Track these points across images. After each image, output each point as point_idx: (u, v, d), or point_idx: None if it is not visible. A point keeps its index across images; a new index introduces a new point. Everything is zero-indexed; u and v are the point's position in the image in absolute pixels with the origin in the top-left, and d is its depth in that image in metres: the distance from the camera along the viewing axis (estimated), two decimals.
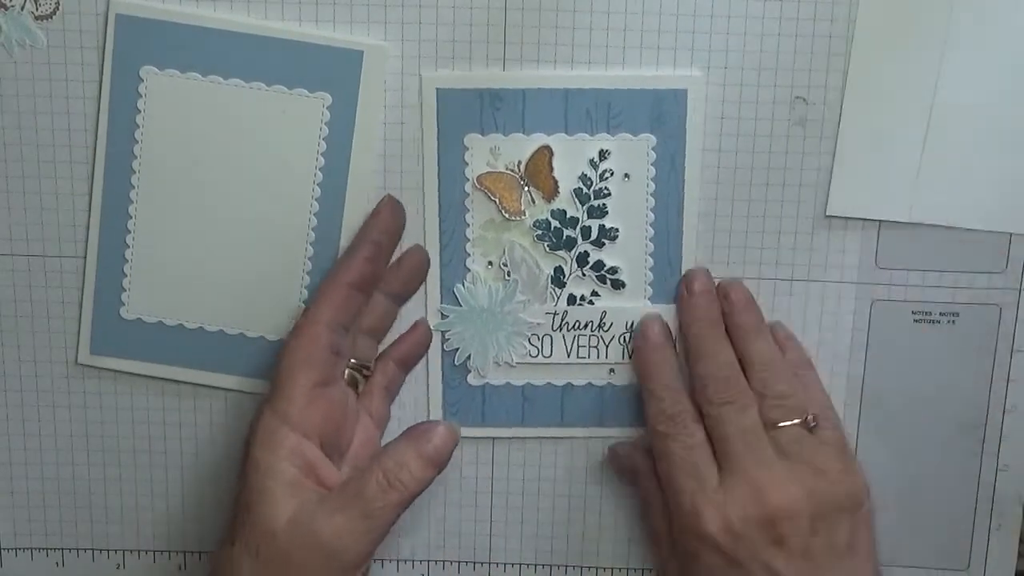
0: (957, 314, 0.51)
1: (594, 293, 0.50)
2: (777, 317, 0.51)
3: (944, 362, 0.51)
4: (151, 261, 0.50)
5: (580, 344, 0.51)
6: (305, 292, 0.51)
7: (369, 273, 0.47)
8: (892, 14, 0.48)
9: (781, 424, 0.47)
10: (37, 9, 0.49)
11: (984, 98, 0.49)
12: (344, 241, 0.50)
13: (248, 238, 0.50)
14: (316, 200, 0.50)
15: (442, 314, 0.51)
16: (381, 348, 0.51)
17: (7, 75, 0.49)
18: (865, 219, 0.50)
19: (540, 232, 0.50)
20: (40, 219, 0.51)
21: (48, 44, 0.49)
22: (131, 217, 0.50)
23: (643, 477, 0.50)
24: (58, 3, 0.49)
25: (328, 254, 0.50)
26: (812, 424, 0.47)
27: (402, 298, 0.50)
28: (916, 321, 0.51)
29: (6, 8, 0.48)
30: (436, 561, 0.54)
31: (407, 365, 0.51)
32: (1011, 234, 0.50)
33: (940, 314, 0.51)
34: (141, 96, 0.49)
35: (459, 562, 0.54)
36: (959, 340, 0.51)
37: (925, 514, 0.53)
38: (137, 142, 0.49)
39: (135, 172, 0.49)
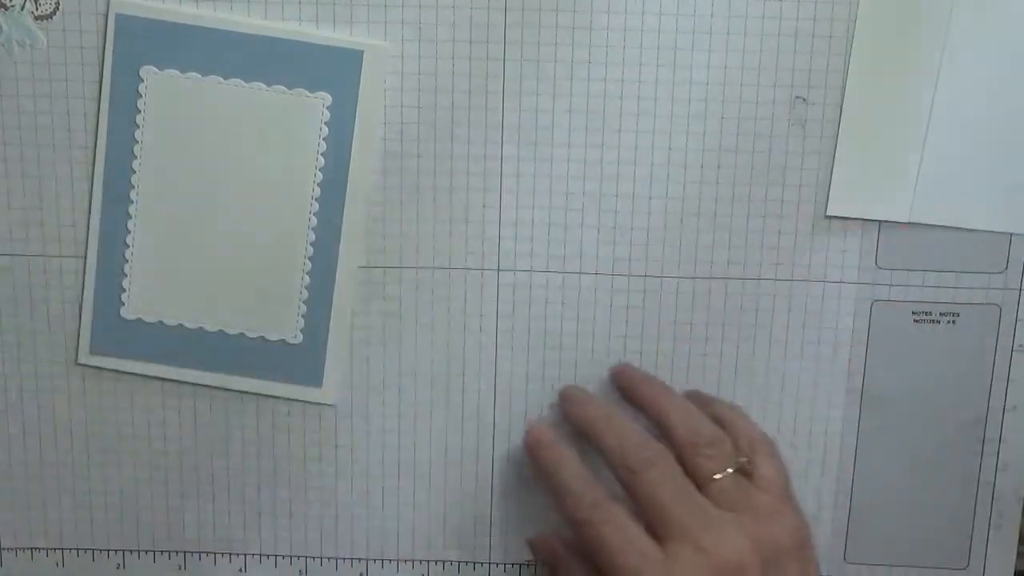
0: (957, 314, 0.51)
1: None
2: (777, 317, 0.51)
3: (944, 362, 0.51)
4: (151, 261, 0.50)
5: None
6: (305, 292, 0.51)
7: None
8: (892, 14, 0.48)
9: (716, 476, 0.45)
10: (37, 9, 0.48)
11: (984, 98, 0.49)
12: (344, 242, 0.50)
13: (248, 238, 0.50)
14: (316, 200, 0.50)
15: None
16: None
17: (7, 75, 0.49)
18: (865, 219, 0.50)
19: None
20: (40, 219, 0.51)
21: (48, 44, 0.49)
22: (131, 217, 0.50)
23: (567, 571, 0.49)
24: (58, 3, 0.48)
25: (328, 254, 0.50)
26: (748, 467, 0.46)
27: None
28: (916, 321, 0.51)
29: (6, 8, 0.48)
30: (436, 561, 0.54)
31: None
32: (1011, 234, 0.50)
33: (940, 314, 0.51)
34: (141, 96, 0.49)
35: (459, 562, 0.54)
36: (959, 340, 0.51)
37: (925, 514, 0.53)
38: (137, 142, 0.49)
39: (135, 172, 0.49)
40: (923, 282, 0.51)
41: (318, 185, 0.49)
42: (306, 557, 0.54)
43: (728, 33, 0.49)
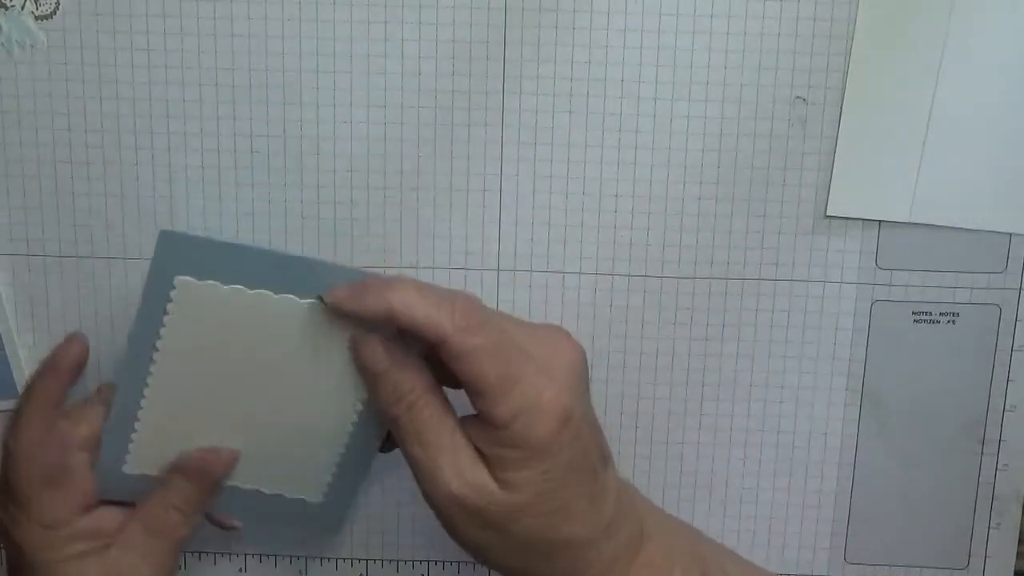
0: (957, 314, 0.51)
1: None
2: (777, 317, 0.51)
3: (944, 362, 0.51)
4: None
5: None
6: (335, 468, 0.46)
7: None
8: (892, 14, 0.48)
9: None
10: (37, 9, 0.48)
11: (984, 98, 0.49)
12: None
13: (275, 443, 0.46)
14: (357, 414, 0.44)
15: None
16: None
17: (7, 75, 0.49)
18: (865, 219, 0.50)
19: None
20: (40, 219, 0.51)
21: (48, 44, 0.49)
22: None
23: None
24: (58, 3, 0.49)
25: (364, 449, 0.45)
26: None
27: None
28: (916, 321, 0.51)
29: (6, 8, 0.48)
30: (436, 561, 0.54)
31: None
32: (1011, 234, 0.50)
33: (940, 314, 0.51)
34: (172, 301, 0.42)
35: (459, 562, 0.54)
36: (959, 340, 0.51)
37: (925, 513, 0.53)
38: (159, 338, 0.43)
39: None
40: (923, 282, 0.51)
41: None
42: (306, 557, 0.54)
43: (728, 33, 0.49)
